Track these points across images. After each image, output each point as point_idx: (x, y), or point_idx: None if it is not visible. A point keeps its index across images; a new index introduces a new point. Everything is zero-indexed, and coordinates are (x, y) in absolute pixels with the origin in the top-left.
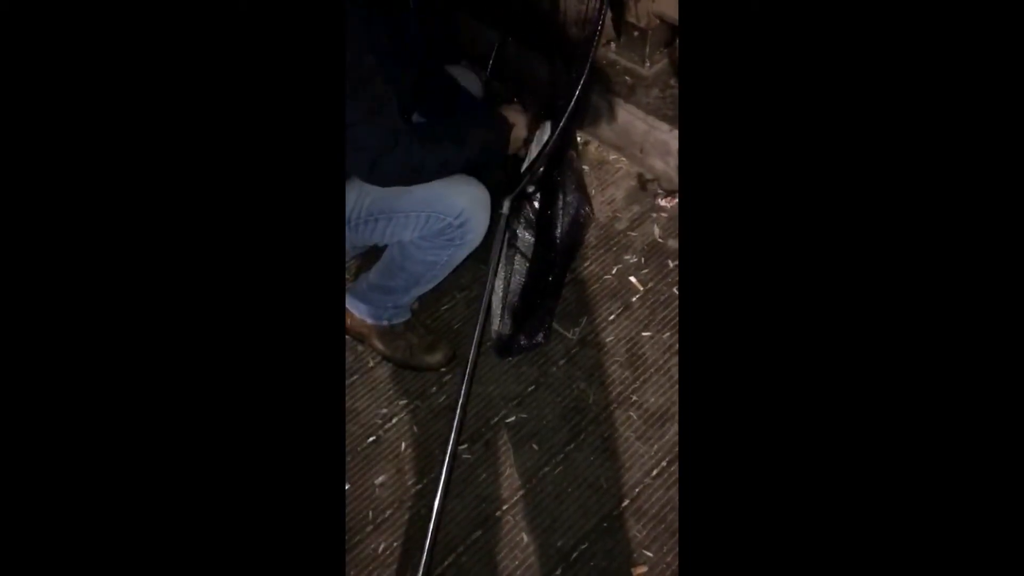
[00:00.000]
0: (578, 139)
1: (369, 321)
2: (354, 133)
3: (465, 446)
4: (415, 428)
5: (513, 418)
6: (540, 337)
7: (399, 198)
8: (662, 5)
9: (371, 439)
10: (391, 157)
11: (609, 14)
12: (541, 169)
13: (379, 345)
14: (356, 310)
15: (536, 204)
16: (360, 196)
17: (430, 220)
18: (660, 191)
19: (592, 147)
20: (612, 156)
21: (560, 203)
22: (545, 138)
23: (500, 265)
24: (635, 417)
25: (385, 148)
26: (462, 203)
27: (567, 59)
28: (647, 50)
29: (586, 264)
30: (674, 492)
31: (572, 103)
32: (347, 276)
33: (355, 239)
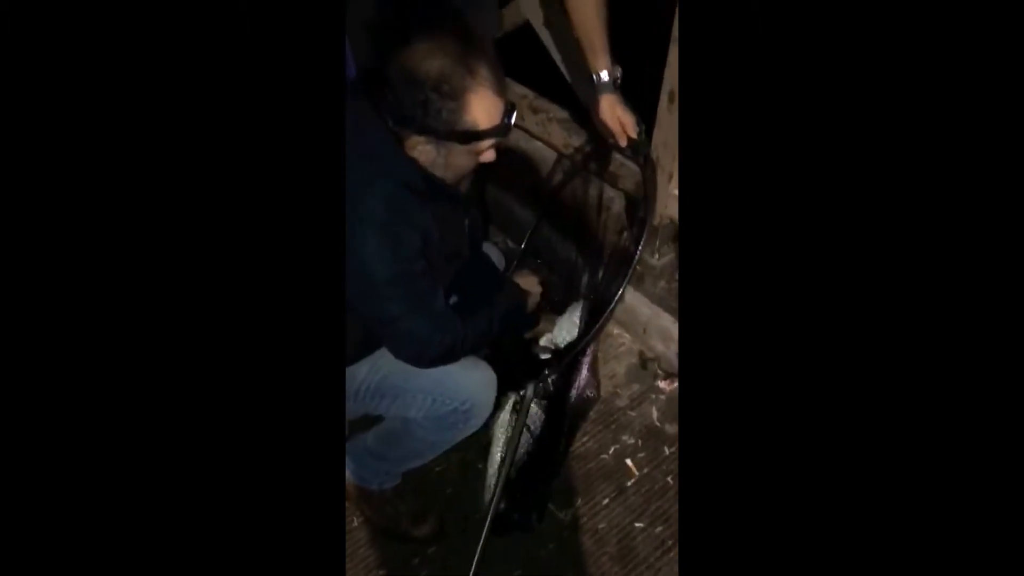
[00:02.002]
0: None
1: (361, 484)
2: (397, 328)
3: None
4: None
5: None
6: (534, 518)
7: (408, 379)
8: (671, 208)
9: None
10: (435, 345)
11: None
12: (569, 357)
13: (366, 508)
14: (348, 471)
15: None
16: (371, 372)
17: (436, 403)
18: (660, 372)
19: None
20: (616, 330)
21: (575, 384)
22: (576, 319)
23: (507, 444)
24: None
25: (430, 338)
26: (470, 389)
27: (596, 250)
28: (657, 243)
29: (584, 440)
30: None
31: (615, 301)
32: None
33: (359, 410)
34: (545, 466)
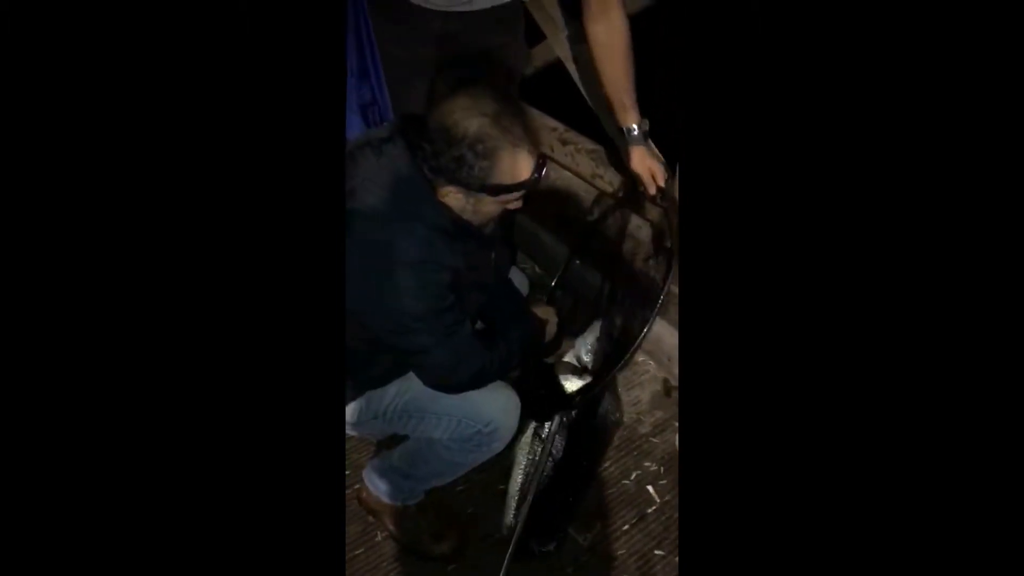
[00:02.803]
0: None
1: (385, 500)
2: (428, 358)
3: None
4: None
5: None
6: (552, 545)
7: (434, 400)
8: None
9: None
10: (461, 372)
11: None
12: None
13: (389, 524)
14: (373, 486)
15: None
16: (399, 393)
17: (460, 424)
18: None
19: None
20: (641, 358)
21: (600, 410)
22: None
23: (530, 470)
24: None
25: (457, 366)
26: (493, 412)
27: (621, 278)
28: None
29: (606, 465)
30: None
31: (645, 332)
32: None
33: (386, 429)
34: (566, 491)
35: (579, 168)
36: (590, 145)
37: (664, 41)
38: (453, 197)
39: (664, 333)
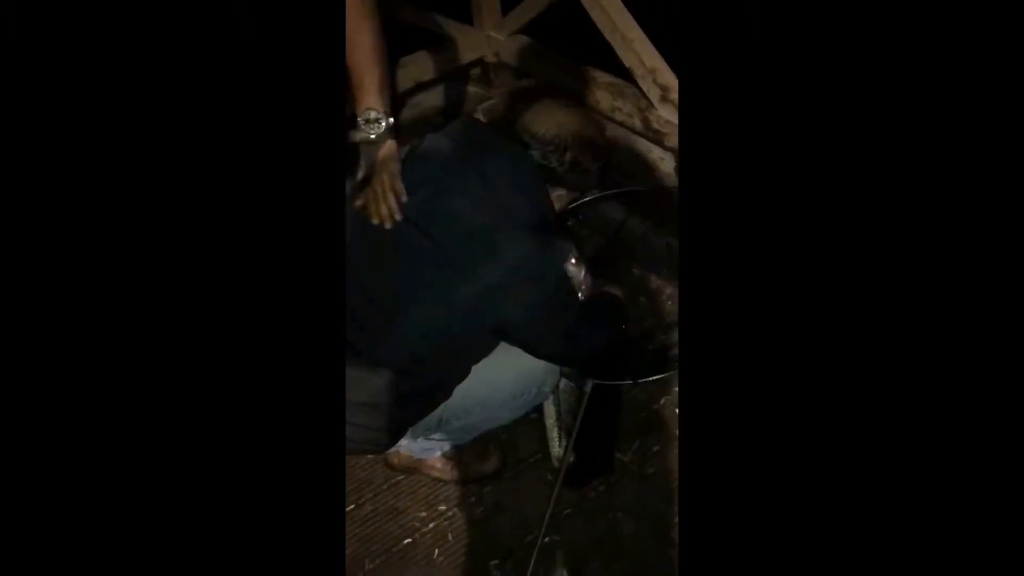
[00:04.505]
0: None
1: (418, 456)
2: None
3: (496, 562)
4: (450, 536)
5: (547, 539)
6: (609, 474)
7: (484, 387)
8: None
9: (407, 541)
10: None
11: None
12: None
13: (432, 473)
14: (408, 451)
15: None
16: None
17: (516, 398)
18: None
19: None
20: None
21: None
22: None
23: (571, 402)
24: (673, 556)
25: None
26: (542, 373)
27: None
28: None
29: (635, 392)
30: None
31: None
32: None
33: (447, 430)
34: (606, 418)
35: (598, 103)
36: (608, 79)
37: None
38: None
39: None
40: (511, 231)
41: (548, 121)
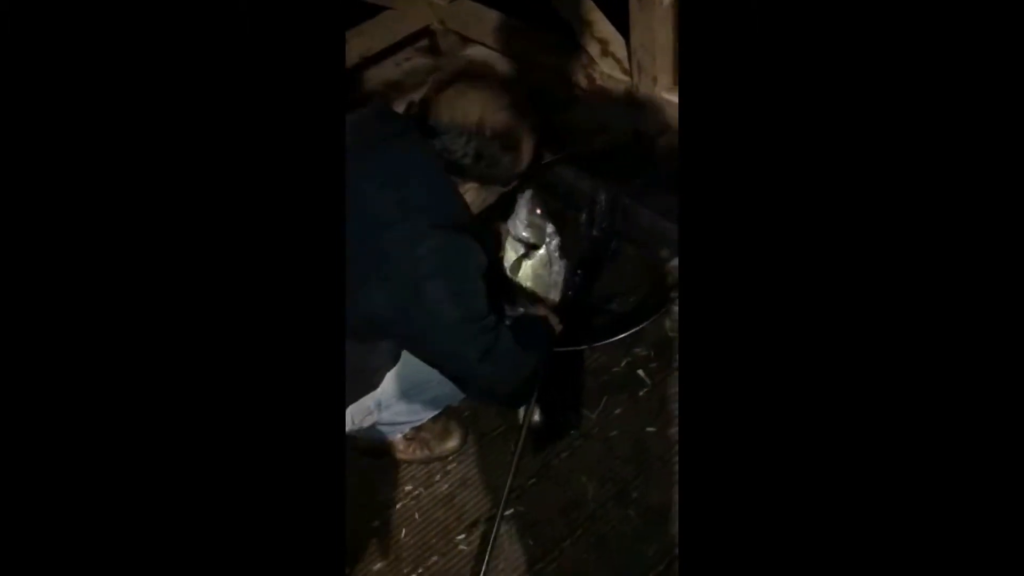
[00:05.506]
0: None
1: (388, 439)
2: (481, 380)
3: (463, 536)
4: (416, 515)
5: (511, 510)
6: (573, 418)
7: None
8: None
9: (375, 523)
10: (512, 383)
11: None
12: None
13: (397, 456)
14: (370, 437)
15: None
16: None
17: None
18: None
19: None
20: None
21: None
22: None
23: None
24: (634, 515)
25: (508, 377)
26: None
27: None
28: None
29: (596, 355)
30: None
31: None
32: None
33: (393, 411)
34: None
35: (544, 63)
36: (553, 38)
37: None
38: (470, 193)
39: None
40: (411, 226)
41: (451, 108)
